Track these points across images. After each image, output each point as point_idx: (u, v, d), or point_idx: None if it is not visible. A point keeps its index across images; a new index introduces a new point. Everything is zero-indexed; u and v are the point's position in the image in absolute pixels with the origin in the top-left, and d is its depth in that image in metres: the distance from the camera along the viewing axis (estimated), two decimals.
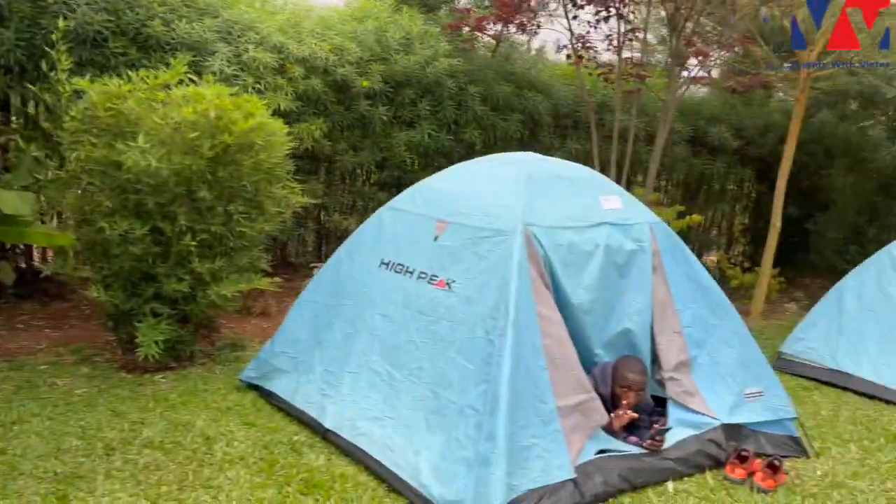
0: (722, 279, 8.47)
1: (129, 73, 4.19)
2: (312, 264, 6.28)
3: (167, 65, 4.59)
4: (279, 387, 3.94)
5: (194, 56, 5.49)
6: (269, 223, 4.48)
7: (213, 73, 5.35)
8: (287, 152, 4.60)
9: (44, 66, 4.56)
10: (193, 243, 4.05)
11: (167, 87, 4.14)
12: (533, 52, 9.77)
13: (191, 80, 4.37)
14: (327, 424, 3.52)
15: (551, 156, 6.66)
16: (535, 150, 7.16)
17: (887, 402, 4.81)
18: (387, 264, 3.79)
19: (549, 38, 7.56)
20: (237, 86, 5.43)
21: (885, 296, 5.18)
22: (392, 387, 3.41)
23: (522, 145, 7.46)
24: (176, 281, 4.10)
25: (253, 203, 4.33)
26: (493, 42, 7.69)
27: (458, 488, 2.85)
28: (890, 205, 8.67)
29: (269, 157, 4.28)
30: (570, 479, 3.02)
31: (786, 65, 7.79)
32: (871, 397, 4.89)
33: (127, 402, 3.86)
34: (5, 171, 4.98)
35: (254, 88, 5.61)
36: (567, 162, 4.05)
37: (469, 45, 6.94)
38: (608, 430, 3.46)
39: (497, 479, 2.79)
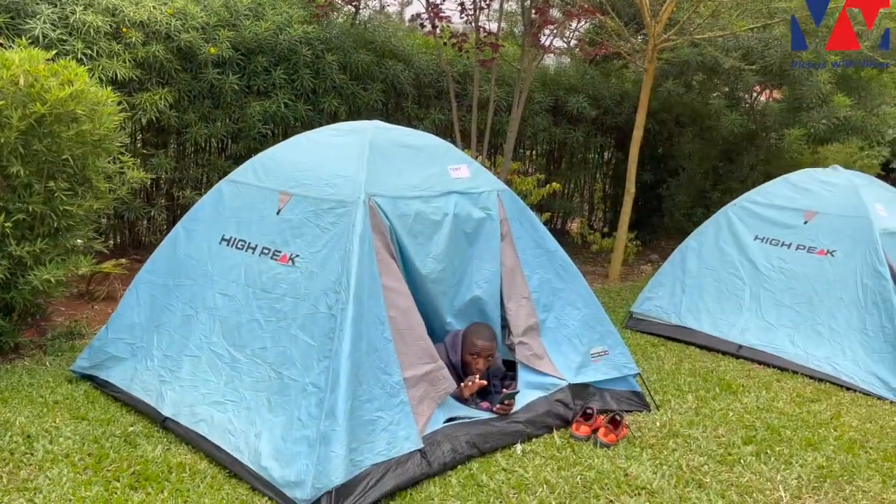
0: (583, 244, 8.81)
1: None
2: None
3: None
4: (115, 375, 3.67)
5: (11, 18, 4.97)
6: (99, 201, 4.13)
7: (35, 38, 4.86)
8: (124, 124, 4.25)
9: None
10: (9, 224, 3.67)
11: None
12: (406, 23, 9.63)
13: None
14: (166, 412, 3.31)
15: (415, 126, 6.66)
16: (399, 121, 7.13)
17: (724, 353, 5.18)
18: (227, 241, 3.60)
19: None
20: (64, 51, 4.96)
21: (722, 254, 5.54)
22: (234, 369, 3.26)
23: (386, 115, 7.36)
24: None
25: (78, 179, 3.97)
26: (352, 9, 7.47)
27: (298, 469, 2.76)
28: (731, 169, 9.29)
29: (94, 128, 3.92)
30: (417, 450, 3.01)
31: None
32: (711, 350, 5.25)
33: None
34: None
35: (84, 54, 5.16)
36: (414, 131, 3.98)
37: (323, 12, 6.70)
38: (459, 397, 3.48)
39: (338, 456, 2.73)
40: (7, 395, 3.59)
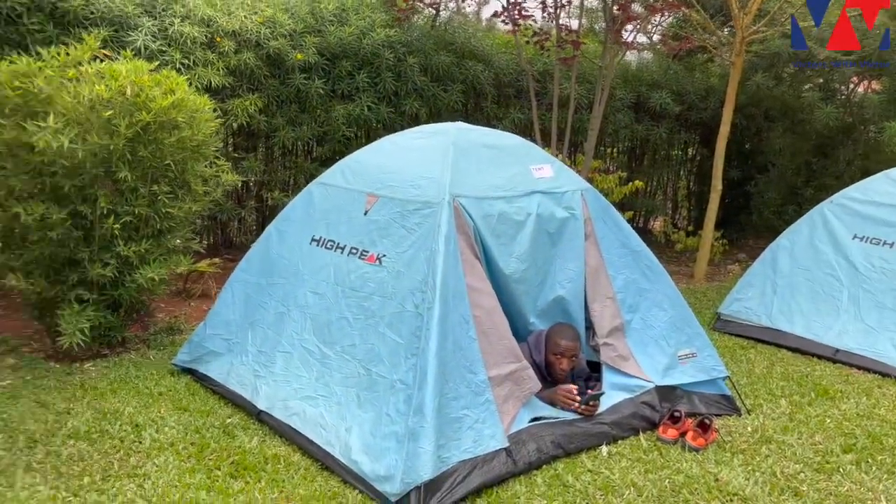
0: (667, 243, 8.61)
1: (41, 50, 3.99)
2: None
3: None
4: (213, 369, 3.87)
5: (115, 31, 5.28)
6: (197, 203, 4.35)
7: (137, 49, 5.16)
8: (218, 129, 4.46)
9: None
10: (117, 226, 3.92)
11: (80, 63, 3.95)
12: (484, 23, 9.66)
13: (106, 56, 4.18)
14: (260, 405, 3.46)
15: (495, 126, 6.67)
16: (479, 121, 7.17)
17: (819, 357, 4.96)
18: (317, 241, 3.72)
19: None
20: (163, 62, 5.24)
21: (817, 253, 5.31)
22: (325, 365, 3.37)
23: (466, 116, 7.40)
24: (101, 266, 3.96)
25: (178, 182, 4.20)
26: (433, 12, 7.56)
27: (388, 463, 2.83)
28: (825, 165, 8.86)
29: (193, 134, 4.14)
30: (502, 449, 3.04)
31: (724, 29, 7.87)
32: (804, 353, 5.04)
33: (53, 392, 3.74)
34: None
35: (182, 64, 5.43)
36: (496, 131, 4.01)
37: (405, 15, 6.81)
38: (543, 398, 3.48)
39: (426, 452, 2.78)
40: (116, 386, 3.84)
